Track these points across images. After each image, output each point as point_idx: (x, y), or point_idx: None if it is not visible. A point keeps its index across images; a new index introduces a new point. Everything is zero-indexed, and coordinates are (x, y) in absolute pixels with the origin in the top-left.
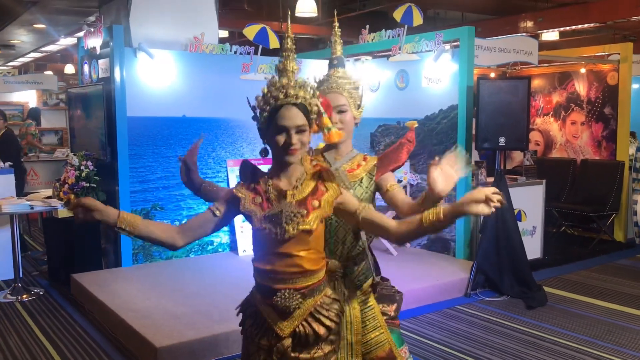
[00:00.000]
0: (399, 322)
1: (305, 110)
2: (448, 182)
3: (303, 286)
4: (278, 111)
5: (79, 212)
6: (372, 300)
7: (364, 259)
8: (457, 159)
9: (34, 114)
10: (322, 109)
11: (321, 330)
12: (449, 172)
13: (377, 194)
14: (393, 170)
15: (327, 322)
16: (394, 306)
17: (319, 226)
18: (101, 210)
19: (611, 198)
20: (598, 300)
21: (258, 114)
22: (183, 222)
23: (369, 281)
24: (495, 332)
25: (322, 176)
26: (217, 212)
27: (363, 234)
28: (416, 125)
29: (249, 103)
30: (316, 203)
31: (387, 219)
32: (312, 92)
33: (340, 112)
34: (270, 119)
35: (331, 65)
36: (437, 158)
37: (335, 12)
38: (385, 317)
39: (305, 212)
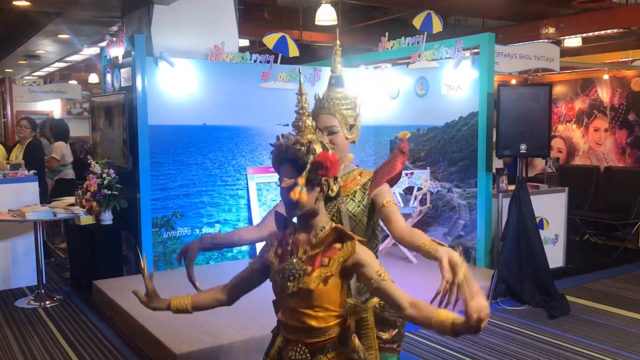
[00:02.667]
0: (399, 348)
1: (300, 167)
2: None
3: (311, 342)
4: (279, 168)
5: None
6: (370, 320)
7: None
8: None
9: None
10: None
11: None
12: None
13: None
14: (391, 184)
15: None
16: (394, 331)
17: (327, 285)
18: (154, 303)
19: (636, 206)
20: (622, 310)
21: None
22: (229, 282)
23: (372, 302)
24: (516, 341)
25: (341, 239)
26: (255, 266)
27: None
28: (408, 135)
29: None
30: (325, 260)
31: (402, 299)
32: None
33: (331, 133)
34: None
35: (330, 84)
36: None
37: (338, 32)
38: (378, 341)
39: (310, 269)
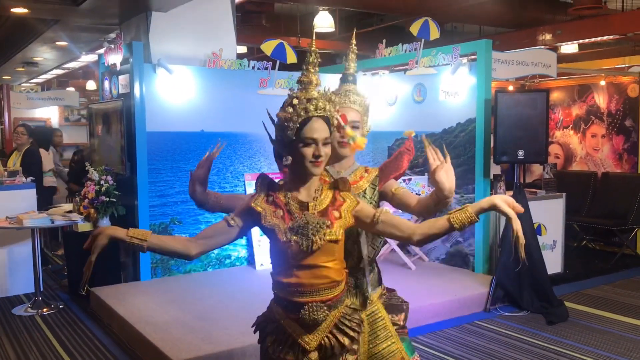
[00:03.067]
0: (407, 330)
1: (329, 123)
2: (451, 178)
3: (329, 298)
4: (307, 123)
5: (95, 243)
6: (382, 311)
7: (372, 270)
8: (437, 152)
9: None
10: (342, 122)
11: (346, 341)
12: (448, 169)
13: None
14: (396, 179)
15: (351, 333)
16: (402, 315)
17: (343, 236)
18: (111, 230)
19: (633, 212)
20: (621, 316)
21: (286, 125)
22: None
23: (378, 292)
24: (515, 347)
25: (338, 186)
26: (232, 222)
27: (364, 248)
28: (414, 134)
29: (269, 116)
30: (337, 213)
31: (407, 222)
32: (334, 106)
33: (354, 127)
34: (298, 130)
35: (345, 81)
36: (432, 159)
37: (355, 30)
38: (395, 327)
39: (329, 222)
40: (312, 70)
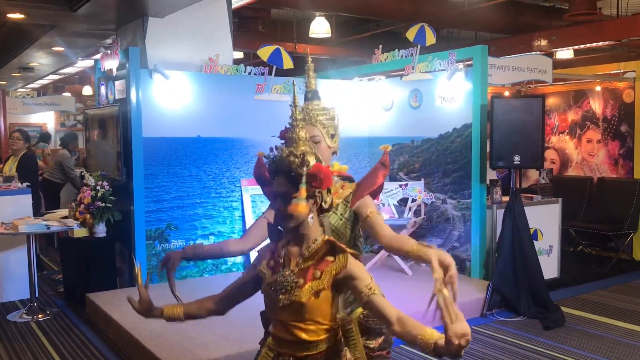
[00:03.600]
0: (387, 353)
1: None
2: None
3: (302, 356)
4: (273, 180)
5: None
6: (355, 331)
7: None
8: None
9: (46, 138)
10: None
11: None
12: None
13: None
14: (372, 196)
15: None
16: (381, 339)
17: (318, 298)
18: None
19: (629, 217)
20: (617, 321)
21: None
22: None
23: (358, 310)
24: (511, 353)
25: (334, 251)
26: (247, 276)
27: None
28: (390, 148)
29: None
30: (317, 273)
31: (391, 314)
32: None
33: (314, 143)
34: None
35: (306, 99)
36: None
37: (309, 52)
38: (367, 350)
39: (302, 282)
40: (300, 126)
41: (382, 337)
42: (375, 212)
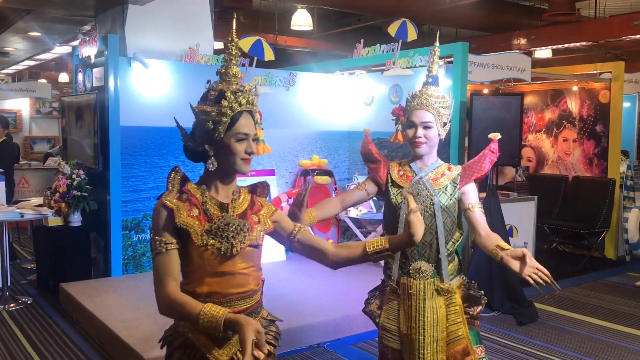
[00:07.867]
0: (479, 323)
1: (254, 118)
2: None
3: (243, 309)
4: (238, 118)
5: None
6: (457, 298)
7: (452, 261)
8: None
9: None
10: (259, 119)
11: (261, 356)
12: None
13: None
14: (476, 181)
15: (267, 347)
16: (479, 308)
17: (263, 241)
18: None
19: (602, 215)
20: (589, 317)
21: (217, 119)
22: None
23: (458, 281)
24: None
25: (256, 191)
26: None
27: (442, 241)
28: (499, 136)
29: (193, 109)
30: (255, 218)
31: (324, 243)
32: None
33: (426, 127)
34: (230, 125)
35: (425, 83)
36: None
37: (438, 35)
38: (467, 316)
39: (249, 225)
40: (235, 62)
41: (481, 307)
42: (475, 205)
